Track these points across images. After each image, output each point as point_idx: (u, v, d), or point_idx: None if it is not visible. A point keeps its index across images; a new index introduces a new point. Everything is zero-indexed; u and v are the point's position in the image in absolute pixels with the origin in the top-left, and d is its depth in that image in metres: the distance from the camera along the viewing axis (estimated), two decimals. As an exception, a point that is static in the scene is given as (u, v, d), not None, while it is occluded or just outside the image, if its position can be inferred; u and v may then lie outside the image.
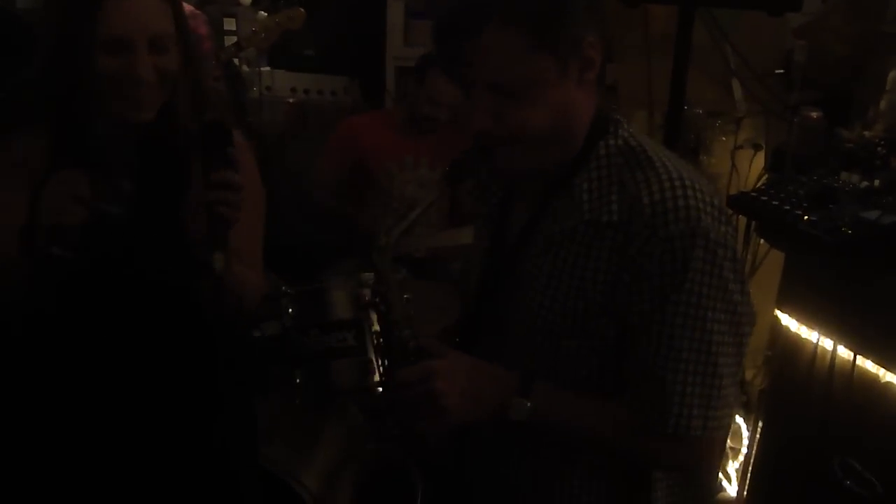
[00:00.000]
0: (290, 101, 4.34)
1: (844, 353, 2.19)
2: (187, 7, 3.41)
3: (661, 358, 1.26)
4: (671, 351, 1.25)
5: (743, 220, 2.81)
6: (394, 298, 1.39)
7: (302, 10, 3.16)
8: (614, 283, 1.28)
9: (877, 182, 2.17)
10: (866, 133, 2.42)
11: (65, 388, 1.61)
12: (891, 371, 2.07)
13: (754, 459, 2.67)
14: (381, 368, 1.48)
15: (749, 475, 2.71)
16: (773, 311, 2.52)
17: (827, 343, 2.26)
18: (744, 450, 2.98)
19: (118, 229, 1.52)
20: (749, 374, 3.17)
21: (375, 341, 1.55)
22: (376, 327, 1.44)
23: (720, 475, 3.12)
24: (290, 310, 2.62)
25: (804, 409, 2.33)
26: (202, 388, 1.70)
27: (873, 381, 2.11)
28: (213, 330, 1.64)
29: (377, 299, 1.41)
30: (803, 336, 2.37)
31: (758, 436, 2.66)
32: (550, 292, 1.33)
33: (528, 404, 1.29)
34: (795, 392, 2.39)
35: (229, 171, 1.46)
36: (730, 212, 2.74)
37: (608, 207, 1.28)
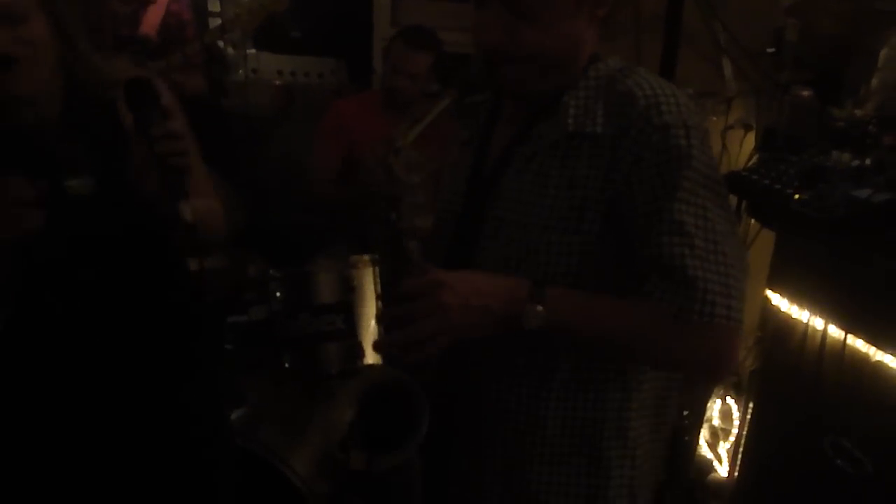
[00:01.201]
0: (277, 83, 4.32)
1: (835, 332, 2.19)
2: (171, -11, 3.39)
3: (677, 246, 1.25)
4: (684, 238, 1.25)
5: (734, 199, 2.81)
6: (405, 206, 1.41)
7: (286, -9, 3.14)
8: (605, 178, 1.30)
9: (868, 161, 2.16)
10: (857, 112, 2.40)
11: (38, 358, 1.57)
12: (881, 350, 2.06)
13: (745, 440, 2.68)
14: (378, 285, 1.45)
15: (740, 455, 2.71)
16: (763, 291, 2.52)
17: (817, 322, 2.25)
18: (734, 430, 2.98)
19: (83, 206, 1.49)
20: (740, 354, 3.17)
21: (376, 266, 1.51)
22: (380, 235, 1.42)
23: (712, 456, 3.13)
24: (278, 294, 2.59)
25: (795, 388, 2.33)
26: (176, 349, 1.70)
27: (864, 359, 2.11)
28: (194, 291, 1.63)
29: (389, 206, 1.40)
30: (794, 315, 2.36)
31: (749, 416, 2.66)
32: (533, 198, 1.36)
33: (541, 310, 1.25)
34: (786, 372, 2.39)
35: (169, 122, 1.43)
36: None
37: (593, 120, 1.32)
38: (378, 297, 1.51)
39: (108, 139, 1.56)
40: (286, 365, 2.61)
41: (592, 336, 1.30)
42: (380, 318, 1.41)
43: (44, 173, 1.43)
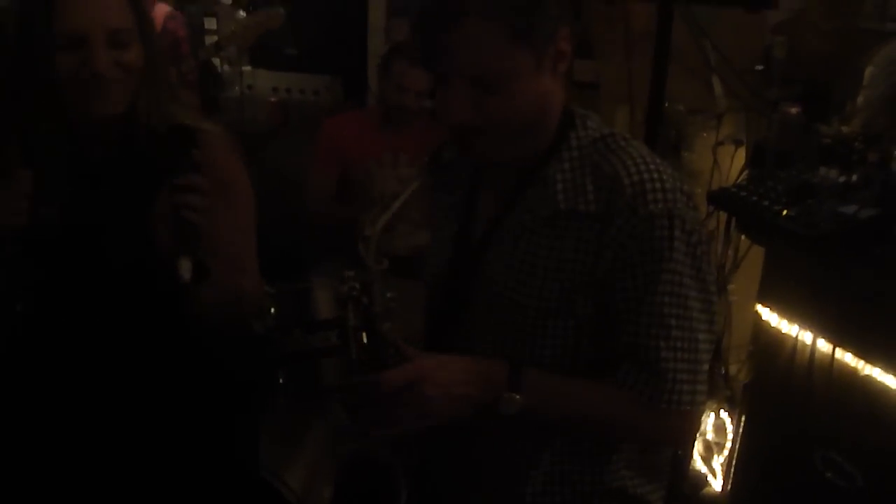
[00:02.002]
0: (272, 100, 4.34)
1: (824, 346, 2.21)
2: (166, 8, 3.43)
3: (653, 337, 1.29)
4: (662, 329, 1.29)
5: (724, 215, 2.84)
6: (376, 291, 1.38)
7: (281, 9, 3.17)
8: (593, 264, 1.30)
9: (854, 177, 2.19)
10: (844, 128, 2.43)
11: (30, 397, 1.60)
12: (870, 363, 2.09)
13: (738, 454, 2.69)
14: (358, 362, 1.46)
15: (734, 469, 2.73)
16: (753, 306, 2.54)
17: (807, 336, 2.27)
18: (728, 444, 2.99)
19: (49, 234, 1.51)
20: (733, 369, 3.18)
21: (354, 335, 1.53)
22: (353, 322, 1.42)
23: (706, 470, 3.14)
24: (273, 310, 2.62)
25: (786, 402, 2.35)
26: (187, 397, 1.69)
27: (853, 373, 2.13)
28: (194, 338, 1.63)
29: (360, 292, 1.40)
30: (784, 330, 2.38)
31: (741, 430, 2.67)
32: (524, 277, 1.34)
33: (519, 398, 1.29)
34: (777, 386, 2.41)
35: (193, 175, 1.44)
36: (710, 208, 2.77)
37: (584, 197, 1.31)
38: (356, 368, 1.54)
39: (137, 171, 1.57)
40: (281, 381, 2.63)
41: (566, 419, 1.37)
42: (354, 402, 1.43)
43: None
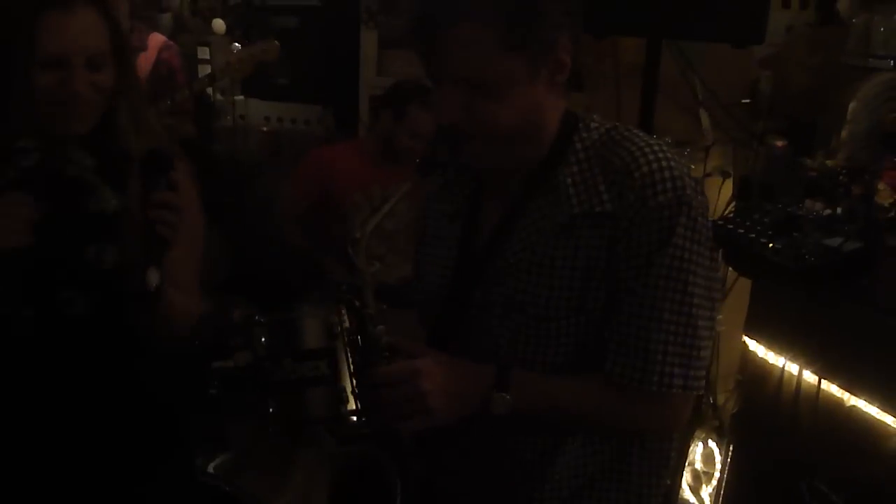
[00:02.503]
0: (264, 129, 4.37)
1: (810, 377, 2.23)
2: (161, 38, 3.46)
3: (645, 318, 1.29)
4: (654, 311, 1.28)
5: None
6: (368, 294, 1.38)
7: (277, 42, 3.19)
8: (606, 258, 1.30)
9: (839, 210, 2.22)
10: (829, 162, 2.46)
11: None
12: (855, 395, 2.10)
13: (726, 483, 2.69)
14: (351, 366, 1.47)
15: (721, 499, 2.73)
16: (741, 338, 2.56)
17: (793, 368, 2.29)
18: (717, 474, 3.00)
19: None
20: (721, 399, 3.19)
21: (346, 337, 1.54)
22: (347, 324, 1.43)
23: (694, 500, 3.14)
24: (263, 339, 2.62)
25: (772, 433, 2.36)
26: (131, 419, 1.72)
27: (838, 404, 2.14)
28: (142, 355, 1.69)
29: (351, 294, 1.41)
30: (770, 361, 2.40)
31: (729, 460, 2.68)
32: (541, 280, 1.34)
33: (508, 397, 1.30)
34: (764, 416, 2.42)
35: (170, 193, 1.51)
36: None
37: (598, 198, 1.30)
38: (351, 375, 1.56)
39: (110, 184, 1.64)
40: (271, 410, 2.63)
41: (556, 417, 1.37)
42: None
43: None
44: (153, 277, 1.47)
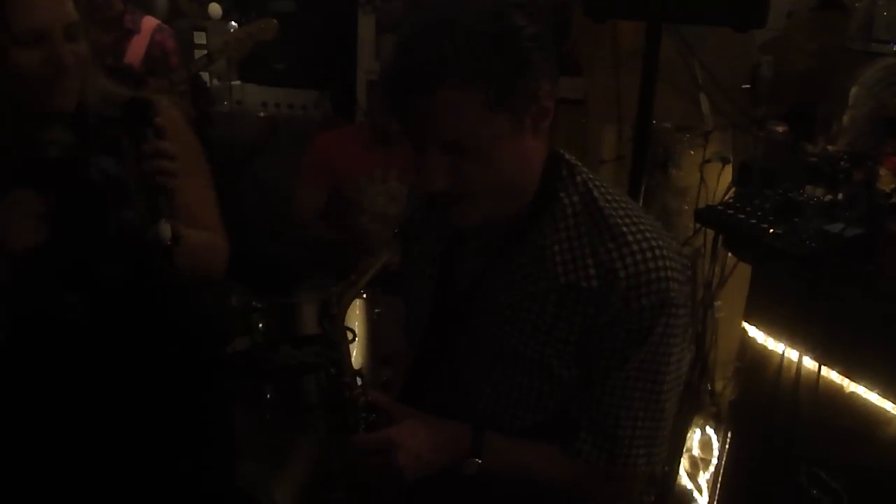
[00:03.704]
0: (261, 114, 4.35)
1: (810, 364, 2.22)
2: (153, 21, 3.43)
3: (615, 406, 1.33)
4: (624, 400, 1.32)
5: (711, 232, 2.85)
6: (344, 362, 1.40)
7: (274, 21, 3.16)
8: (585, 338, 1.31)
9: (840, 195, 2.20)
10: (830, 147, 2.45)
11: (20, 395, 1.60)
12: (855, 381, 2.10)
13: (724, 470, 2.69)
14: (333, 425, 1.48)
15: (719, 486, 2.73)
16: (740, 324, 2.55)
17: (793, 354, 2.28)
18: (714, 460, 3.00)
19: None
20: (719, 386, 3.19)
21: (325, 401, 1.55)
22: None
23: (692, 486, 3.14)
24: (261, 325, 2.62)
25: (772, 419, 2.35)
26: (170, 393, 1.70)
27: (838, 391, 2.14)
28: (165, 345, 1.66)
29: (327, 363, 1.40)
30: (770, 347, 2.39)
31: (727, 446, 2.68)
32: (516, 332, 1.35)
33: (479, 462, 1.35)
34: (763, 403, 2.42)
35: (160, 141, 1.47)
36: (697, 226, 2.78)
37: (585, 273, 1.29)
38: (320, 407, 1.58)
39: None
40: (268, 396, 2.63)
41: (524, 479, 1.40)
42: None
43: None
44: (165, 230, 1.44)
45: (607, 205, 1.33)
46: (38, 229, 1.45)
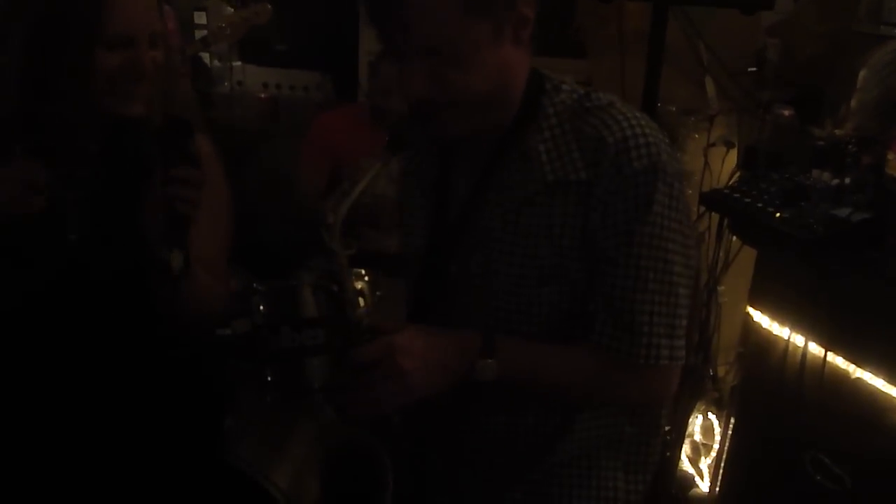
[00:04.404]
0: (262, 96, 4.33)
1: (815, 349, 2.20)
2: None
3: (629, 290, 1.29)
4: (638, 282, 1.28)
5: (715, 216, 2.83)
6: (345, 277, 1.36)
7: (269, 6, 3.16)
8: (583, 228, 1.29)
9: (847, 180, 2.18)
10: (837, 131, 2.43)
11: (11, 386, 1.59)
12: (861, 367, 2.08)
13: (726, 455, 2.69)
14: (334, 350, 1.45)
15: (721, 471, 2.73)
16: (745, 308, 2.54)
17: (798, 339, 2.27)
18: (716, 446, 2.99)
19: (72, 217, 1.53)
20: (721, 371, 3.18)
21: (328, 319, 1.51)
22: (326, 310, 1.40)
23: (693, 471, 3.14)
24: (261, 307, 2.59)
25: (776, 405, 2.34)
26: (154, 393, 1.69)
27: (844, 377, 2.13)
28: (167, 332, 1.64)
29: (328, 279, 1.38)
30: (775, 332, 2.38)
31: (730, 432, 2.67)
32: (516, 249, 1.33)
33: (493, 363, 1.29)
34: (767, 388, 2.41)
35: (188, 168, 1.45)
36: (701, 210, 2.76)
37: (573, 165, 1.29)
38: (333, 361, 1.53)
39: (137, 164, 1.58)
40: (269, 378, 2.61)
41: (543, 383, 1.36)
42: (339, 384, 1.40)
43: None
44: (177, 260, 1.41)
45: (588, 98, 1.33)
46: (31, 199, 1.44)
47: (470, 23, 1.21)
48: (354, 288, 1.35)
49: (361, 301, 1.34)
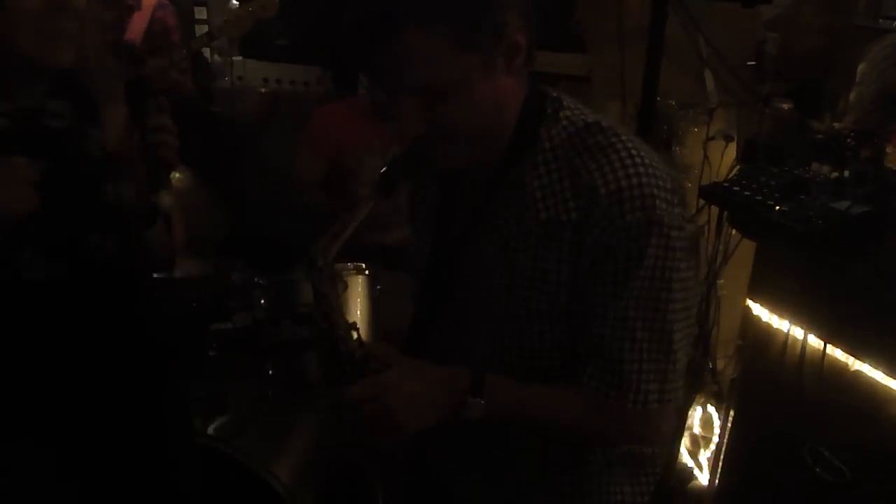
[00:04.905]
0: (262, 91, 4.31)
1: (815, 341, 2.21)
2: (155, -5, 3.39)
3: (618, 338, 1.27)
4: (626, 332, 1.26)
5: (715, 210, 2.84)
6: (336, 316, 1.35)
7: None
8: (574, 271, 1.27)
9: (846, 173, 2.19)
10: (836, 125, 2.43)
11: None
12: (860, 359, 2.09)
13: (726, 448, 2.70)
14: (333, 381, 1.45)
15: (720, 464, 2.73)
16: (744, 301, 2.54)
17: (797, 332, 2.28)
18: (715, 438, 3.00)
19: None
20: (720, 364, 3.19)
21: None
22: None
23: (692, 464, 3.15)
24: (262, 301, 2.61)
25: (775, 397, 2.35)
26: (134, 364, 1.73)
27: (843, 369, 2.13)
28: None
29: (320, 319, 1.38)
30: (774, 325, 2.39)
31: (729, 424, 2.68)
32: (510, 286, 1.32)
33: (482, 402, 1.28)
34: (766, 381, 2.41)
35: (163, 116, 1.52)
36: (701, 203, 2.77)
37: (565, 206, 1.26)
38: (321, 384, 1.55)
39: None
40: (269, 372, 2.62)
41: (530, 423, 1.36)
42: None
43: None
44: (165, 200, 1.54)
45: (590, 132, 1.28)
46: (31, 196, 1.45)
47: (459, 58, 1.17)
48: (346, 323, 1.35)
49: (354, 334, 1.33)
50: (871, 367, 2.06)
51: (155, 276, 1.89)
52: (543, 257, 1.28)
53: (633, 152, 1.24)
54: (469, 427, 1.36)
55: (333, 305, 1.34)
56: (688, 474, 3.15)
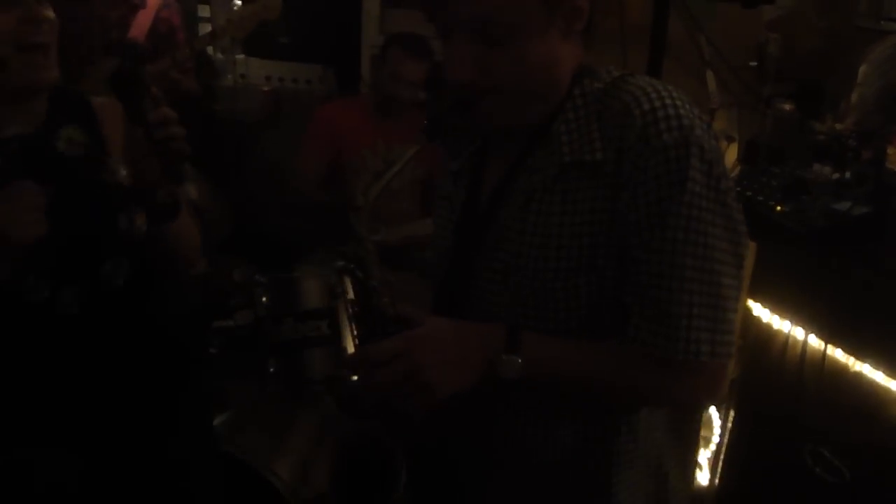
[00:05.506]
0: (265, 89, 4.31)
1: (816, 342, 2.22)
2: (160, -5, 3.40)
3: (665, 278, 1.16)
4: (674, 269, 1.16)
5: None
6: (371, 264, 1.30)
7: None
8: (611, 211, 1.19)
9: (848, 174, 2.20)
10: (838, 126, 2.44)
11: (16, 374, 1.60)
12: (860, 360, 2.10)
13: (726, 448, 2.70)
14: (356, 340, 1.41)
15: (721, 464, 2.74)
16: (744, 301, 2.54)
17: (798, 332, 2.28)
18: (715, 438, 3.00)
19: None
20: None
21: (350, 309, 1.47)
22: (351, 295, 1.37)
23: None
24: (264, 298, 2.60)
25: (775, 398, 2.35)
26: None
27: (844, 370, 2.14)
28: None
29: (353, 265, 1.34)
30: (775, 326, 2.39)
31: (729, 424, 2.68)
32: (540, 240, 1.24)
33: (519, 360, 1.19)
34: (767, 381, 2.42)
35: (161, 109, 1.47)
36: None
37: (590, 145, 1.20)
38: (354, 345, 1.48)
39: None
40: (271, 370, 2.61)
41: (572, 382, 1.25)
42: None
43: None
44: (192, 190, 1.52)
45: (623, 79, 1.24)
46: (40, 222, 1.42)
47: (521, 1, 1.15)
48: (381, 274, 1.29)
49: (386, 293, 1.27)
50: (871, 368, 2.06)
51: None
52: (574, 204, 1.21)
53: (664, 87, 1.20)
54: (491, 422, 1.32)
55: (369, 251, 1.29)
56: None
